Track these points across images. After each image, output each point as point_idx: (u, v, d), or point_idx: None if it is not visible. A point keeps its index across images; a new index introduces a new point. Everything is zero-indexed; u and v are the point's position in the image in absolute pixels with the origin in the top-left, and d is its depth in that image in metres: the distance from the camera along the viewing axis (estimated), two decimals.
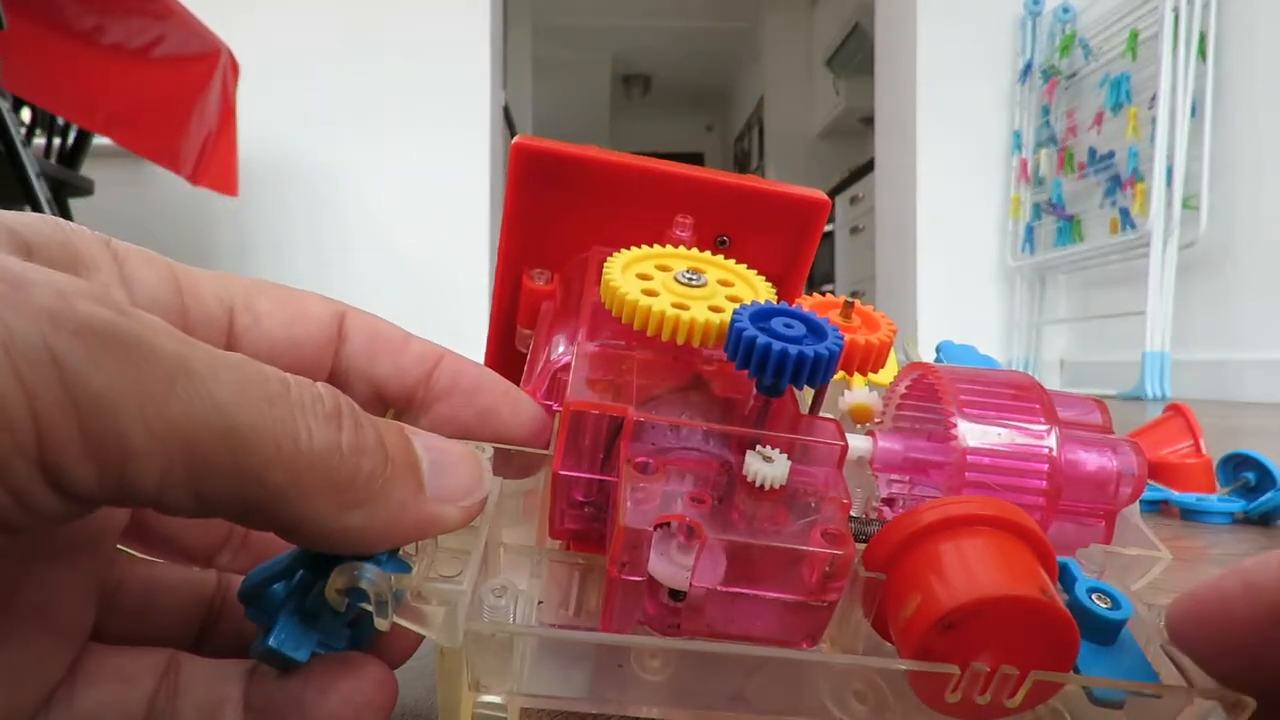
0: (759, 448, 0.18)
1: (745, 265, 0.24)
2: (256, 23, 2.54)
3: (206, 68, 1.73)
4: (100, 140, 1.64)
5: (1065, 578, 0.18)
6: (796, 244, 0.28)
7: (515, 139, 0.26)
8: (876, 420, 0.26)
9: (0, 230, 0.14)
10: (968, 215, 2.67)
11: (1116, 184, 2.30)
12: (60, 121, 1.61)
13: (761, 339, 0.18)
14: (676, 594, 0.17)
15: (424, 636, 0.16)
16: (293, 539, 0.14)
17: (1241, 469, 0.53)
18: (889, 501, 0.23)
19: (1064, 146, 2.51)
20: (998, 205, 2.68)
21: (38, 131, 1.60)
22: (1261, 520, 0.51)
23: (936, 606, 0.16)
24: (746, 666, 0.17)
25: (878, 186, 3.10)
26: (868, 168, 3.53)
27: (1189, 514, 0.51)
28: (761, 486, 0.17)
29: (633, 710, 0.18)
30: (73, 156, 1.65)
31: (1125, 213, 2.23)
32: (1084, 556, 0.21)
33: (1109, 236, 2.29)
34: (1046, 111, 2.56)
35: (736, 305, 0.20)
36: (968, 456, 0.20)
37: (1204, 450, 0.54)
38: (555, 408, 0.22)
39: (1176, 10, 2.05)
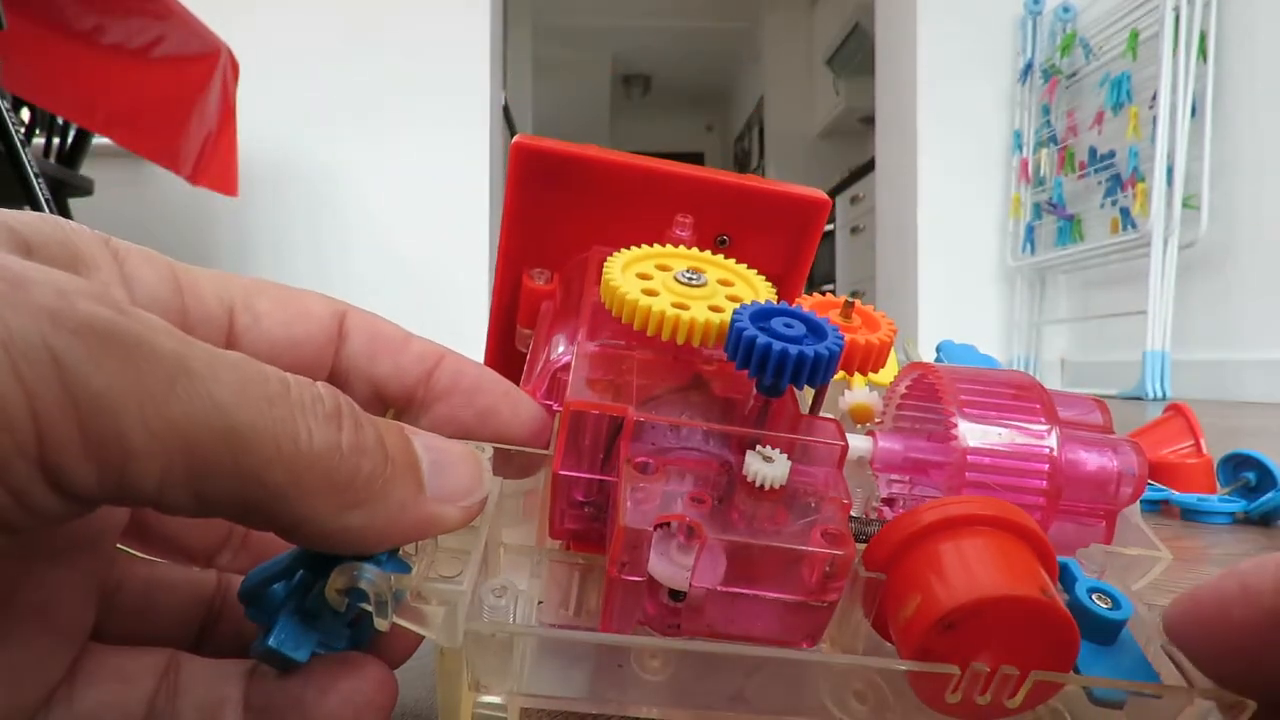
0: (759, 448, 0.18)
1: (745, 265, 0.24)
2: (256, 23, 2.54)
3: (206, 68, 1.73)
4: (100, 140, 1.63)
5: (1065, 578, 0.18)
6: (797, 243, 0.28)
7: (515, 138, 0.26)
8: (877, 420, 0.26)
9: (0, 229, 0.14)
10: (968, 215, 2.67)
11: (1117, 184, 2.30)
12: (60, 121, 1.61)
13: (762, 339, 0.18)
14: (676, 594, 0.17)
15: (424, 636, 0.16)
16: (293, 539, 0.14)
17: (1242, 469, 0.53)
18: (889, 501, 0.23)
19: (1064, 146, 2.51)
20: (998, 205, 2.68)
21: (37, 131, 1.60)
22: (1262, 520, 0.51)
23: (936, 606, 0.16)
24: (746, 666, 0.17)
25: (878, 186, 3.10)
26: (868, 168, 3.53)
27: (1189, 514, 0.51)
28: (761, 486, 0.17)
29: (633, 710, 0.17)
30: (72, 156, 1.65)
31: (1125, 212, 2.23)
32: (1084, 556, 0.21)
33: (1109, 236, 2.29)
34: (1047, 111, 2.56)
35: (736, 305, 0.20)
36: (968, 456, 0.20)
37: (1204, 450, 0.54)
38: (555, 407, 0.22)
39: (1177, 10, 2.05)
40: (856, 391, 0.27)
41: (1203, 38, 2.04)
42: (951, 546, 0.17)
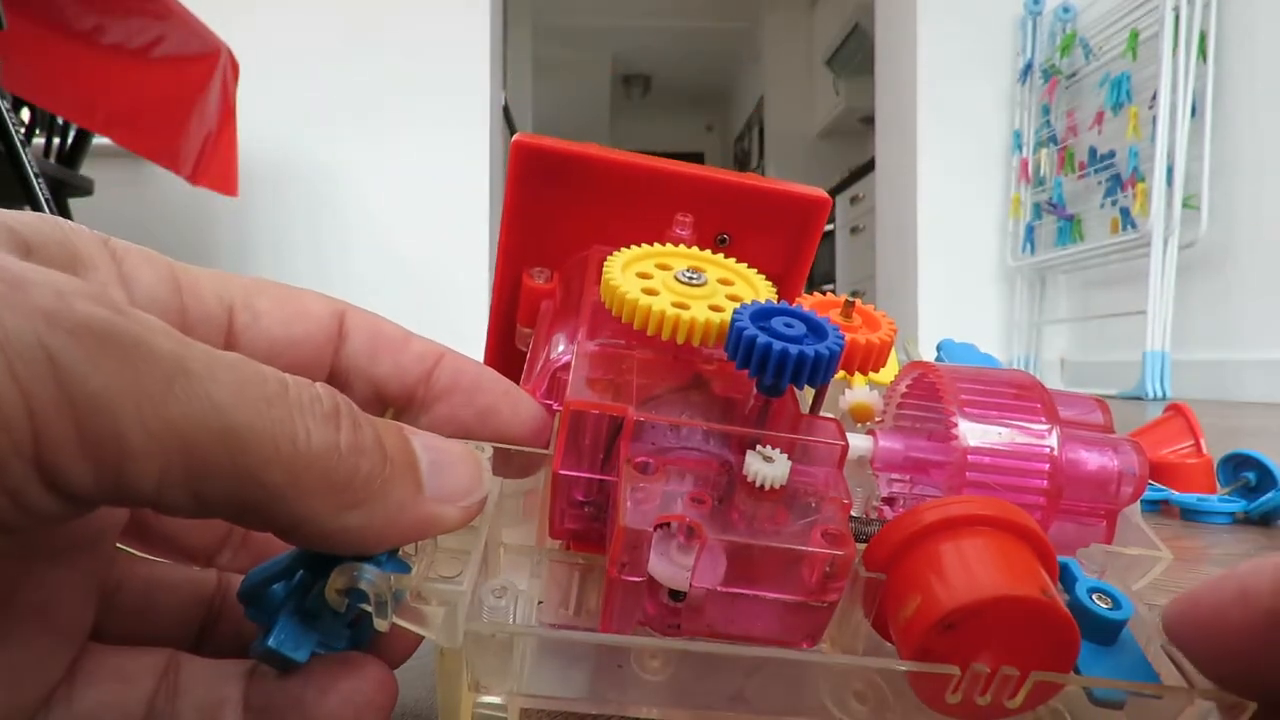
0: (759, 448, 0.18)
1: (745, 264, 0.24)
2: (256, 23, 2.54)
3: (206, 68, 1.73)
4: (100, 140, 1.63)
5: (1066, 578, 0.18)
6: (797, 242, 0.28)
7: (515, 136, 0.26)
8: (877, 419, 0.26)
9: None
10: (968, 215, 2.67)
11: (1117, 184, 2.30)
12: (60, 121, 1.61)
13: (762, 339, 0.18)
14: (676, 594, 0.17)
15: (424, 636, 0.16)
16: (291, 539, 0.14)
17: (1242, 469, 0.53)
18: (889, 501, 0.23)
19: (1064, 146, 2.51)
20: (998, 205, 2.68)
21: (37, 131, 1.60)
22: (1262, 520, 0.51)
23: (937, 607, 0.16)
24: (746, 666, 0.17)
25: (878, 186, 3.10)
26: (868, 168, 3.53)
27: (1189, 514, 0.51)
28: (762, 487, 0.17)
29: (633, 710, 0.17)
30: (72, 156, 1.65)
31: (1125, 212, 2.23)
32: (1085, 556, 0.21)
33: (1109, 236, 2.29)
34: (1047, 111, 2.56)
35: (737, 304, 0.20)
36: (968, 456, 0.20)
37: (1204, 450, 0.54)
38: (555, 407, 0.22)
39: (1177, 10, 2.05)
40: (857, 390, 0.27)
41: (1203, 38, 2.04)
42: (952, 547, 0.17)
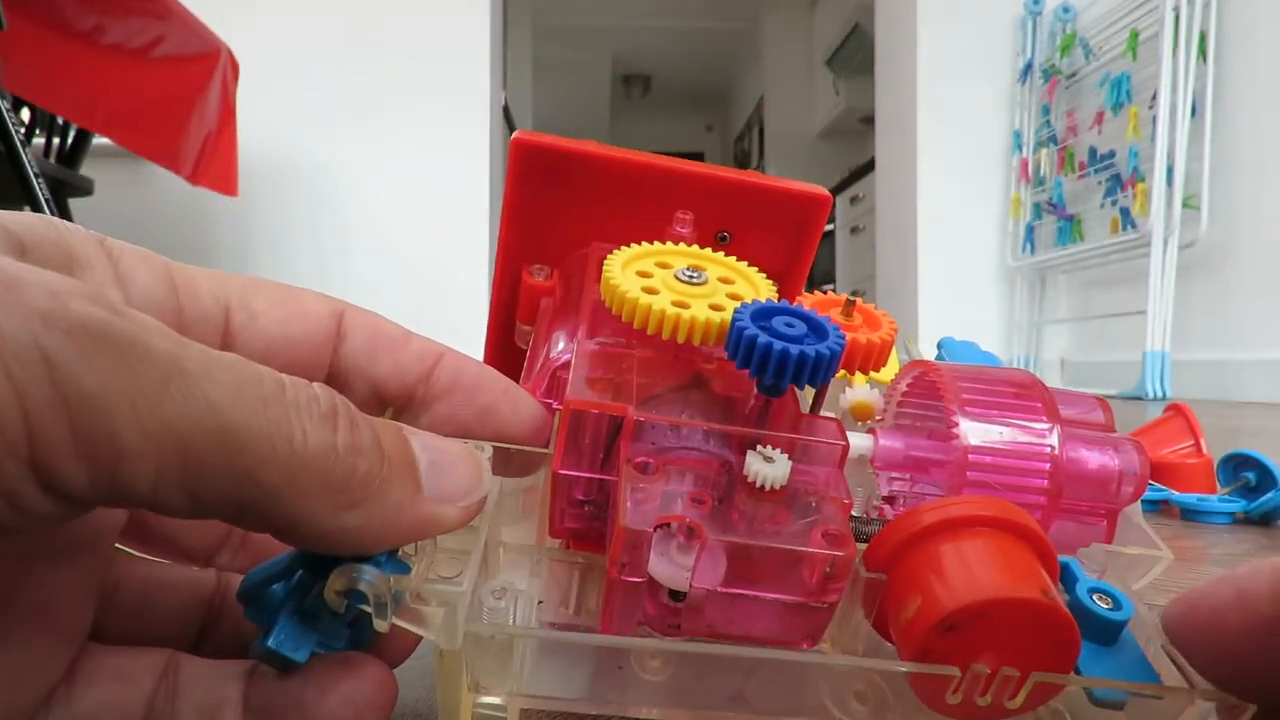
0: (760, 448, 0.18)
1: (746, 262, 0.24)
2: (256, 23, 2.54)
3: (206, 68, 1.73)
4: (100, 140, 1.63)
5: (1066, 578, 0.18)
6: (797, 240, 0.28)
7: (515, 134, 0.26)
8: (877, 418, 0.26)
9: None
10: (968, 215, 2.67)
11: (1117, 184, 2.30)
12: (60, 121, 1.61)
13: (763, 339, 0.18)
14: (676, 594, 0.17)
15: (421, 637, 0.16)
16: (289, 540, 0.14)
17: (1242, 469, 0.52)
18: (889, 500, 0.22)
19: (1064, 146, 2.51)
20: (998, 205, 2.68)
21: (38, 131, 1.60)
22: (1262, 520, 0.51)
23: (937, 608, 0.16)
24: (746, 667, 0.17)
25: (878, 186, 3.10)
26: (868, 168, 3.53)
27: (1189, 514, 0.51)
28: (762, 487, 0.17)
29: (633, 711, 0.17)
30: (72, 156, 1.65)
31: (1125, 212, 2.23)
32: (1085, 556, 0.21)
33: (1109, 236, 2.29)
34: (1047, 111, 2.56)
35: (737, 303, 0.20)
36: (969, 455, 0.20)
37: (1204, 450, 0.54)
38: (555, 406, 0.21)
39: (1177, 10, 2.05)
40: (857, 389, 0.27)
41: (1203, 38, 2.04)
42: (952, 548, 0.17)
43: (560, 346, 0.23)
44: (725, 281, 0.22)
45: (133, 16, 1.50)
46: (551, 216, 0.27)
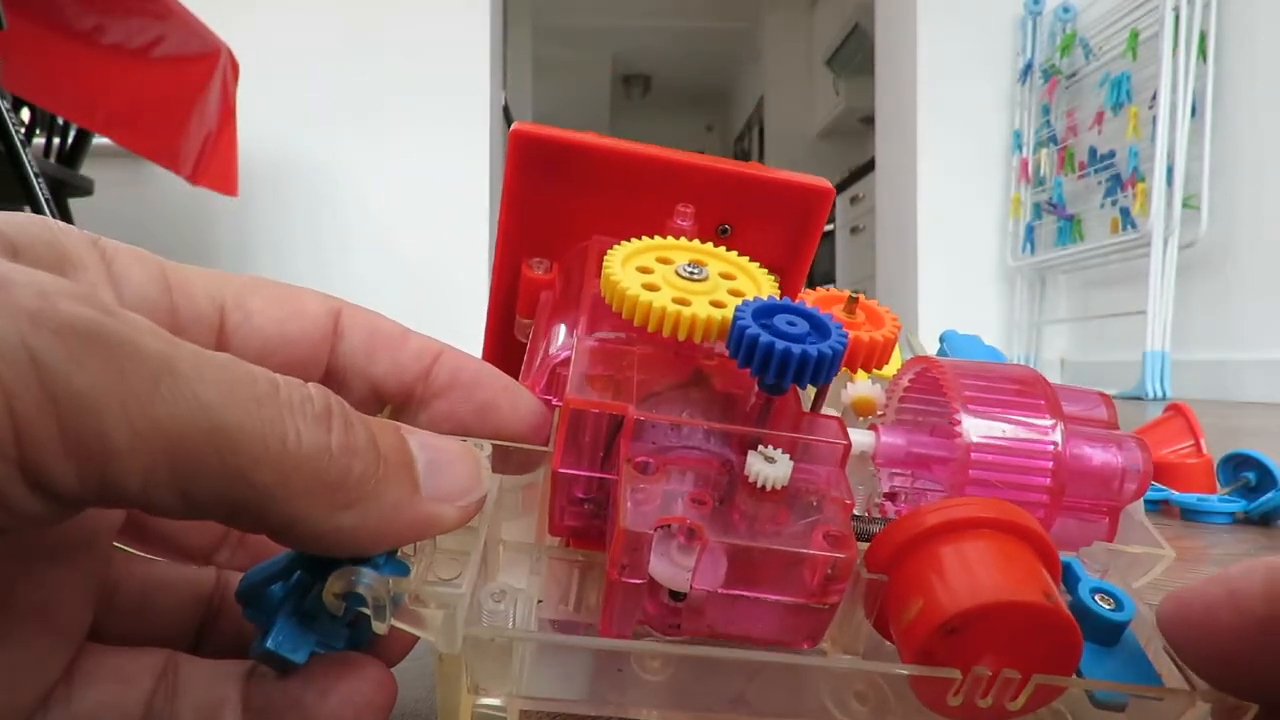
0: (761, 448, 0.18)
1: (747, 257, 0.23)
2: (256, 23, 2.54)
3: (206, 68, 1.73)
4: (100, 140, 1.63)
5: (1068, 578, 0.18)
6: (799, 233, 0.28)
7: (514, 125, 0.25)
8: (879, 413, 0.26)
9: None
10: (968, 215, 2.67)
11: (1117, 184, 2.30)
12: (60, 121, 1.61)
13: (764, 338, 0.18)
14: (677, 594, 0.17)
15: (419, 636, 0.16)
16: (285, 541, 0.14)
17: (1242, 469, 0.52)
18: (891, 496, 0.22)
19: (1064, 146, 2.51)
20: (998, 205, 2.68)
21: (38, 131, 1.60)
22: (1262, 520, 0.51)
23: (939, 611, 0.16)
24: (747, 668, 0.17)
25: (878, 186, 3.10)
26: (868, 168, 3.53)
27: (1189, 514, 0.51)
28: (763, 487, 0.17)
29: (633, 712, 0.17)
30: (73, 156, 1.65)
31: (1125, 212, 2.23)
32: (1087, 554, 0.21)
33: (1109, 236, 2.29)
34: (1047, 111, 2.56)
35: (738, 300, 0.20)
36: (972, 452, 0.20)
37: (1204, 450, 0.54)
38: (555, 403, 0.21)
39: (1177, 10, 2.05)
40: (859, 384, 0.27)
41: (1203, 38, 2.04)
42: (954, 549, 0.17)
43: (560, 340, 0.23)
44: (726, 277, 0.22)
45: (133, 16, 1.50)
46: (551, 209, 0.27)
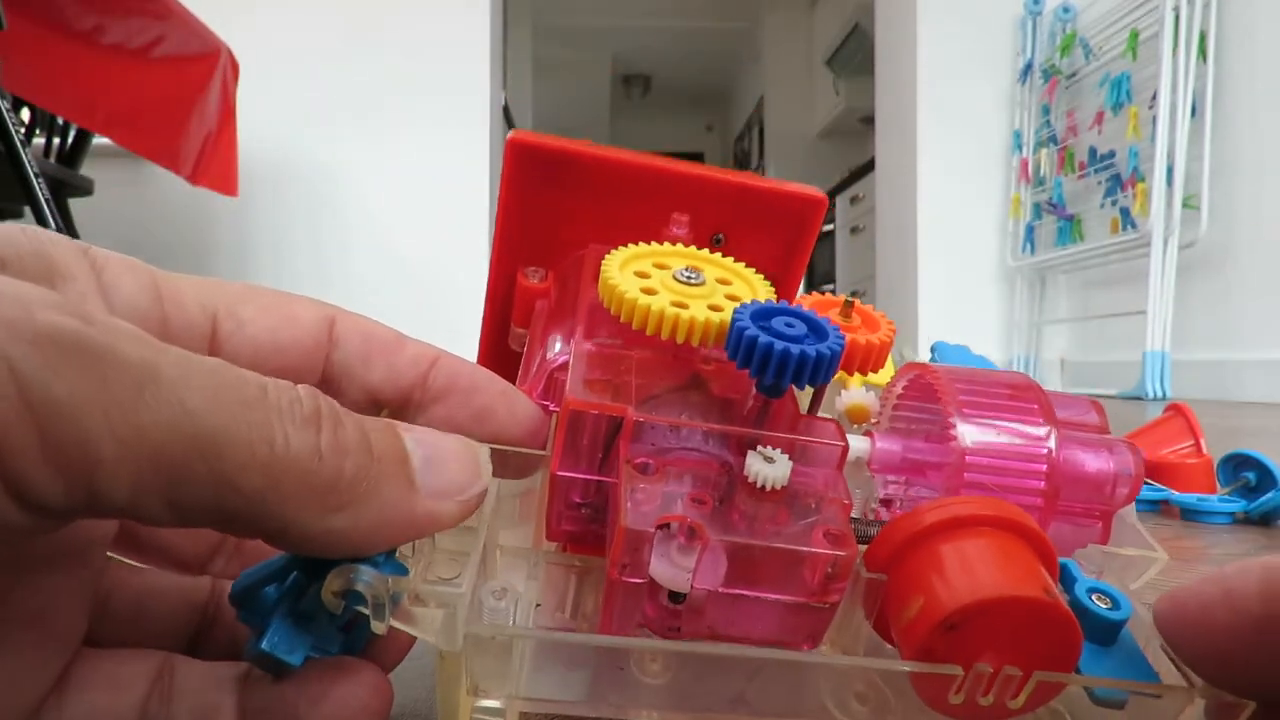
0: (760, 448, 0.18)
1: (744, 264, 0.24)
2: (256, 23, 2.54)
3: (206, 68, 1.73)
4: (100, 140, 1.63)
5: (1065, 578, 0.18)
6: (793, 242, 0.28)
7: (511, 134, 0.26)
8: (873, 421, 0.26)
9: None
10: (968, 215, 2.67)
11: (1117, 184, 2.30)
12: (60, 121, 1.61)
13: (763, 338, 0.18)
14: (676, 597, 0.17)
15: (415, 640, 0.15)
16: (280, 545, 0.14)
17: (1242, 469, 0.52)
18: (886, 503, 0.23)
19: (1064, 146, 2.51)
20: (998, 205, 2.68)
21: (38, 131, 1.60)
22: (1262, 520, 0.51)
23: (939, 608, 0.16)
24: (748, 669, 0.17)
25: (878, 186, 3.10)
26: (868, 168, 3.53)
27: (1189, 514, 0.51)
28: (763, 487, 0.17)
29: (633, 714, 0.17)
30: (73, 156, 1.65)
31: (1125, 212, 2.23)
32: (1082, 557, 0.21)
33: (1109, 236, 2.29)
34: (1047, 111, 2.56)
35: (735, 304, 0.20)
36: (966, 457, 0.20)
37: (1204, 450, 0.54)
38: (552, 408, 0.21)
39: (1177, 10, 2.05)
40: (853, 392, 0.27)
41: (1203, 38, 2.04)
42: (953, 547, 0.17)
43: (557, 348, 0.23)
44: (723, 282, 0.22)
45: (133, 16, 1.50)
46: (547, 218, 0.27)
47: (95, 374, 0.11)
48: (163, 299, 0.17)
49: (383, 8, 2.68)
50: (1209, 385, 2.00)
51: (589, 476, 0.19)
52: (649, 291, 0.21)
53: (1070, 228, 2.48)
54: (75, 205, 1.65)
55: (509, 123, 3.13)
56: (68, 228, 1.44)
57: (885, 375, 0.28)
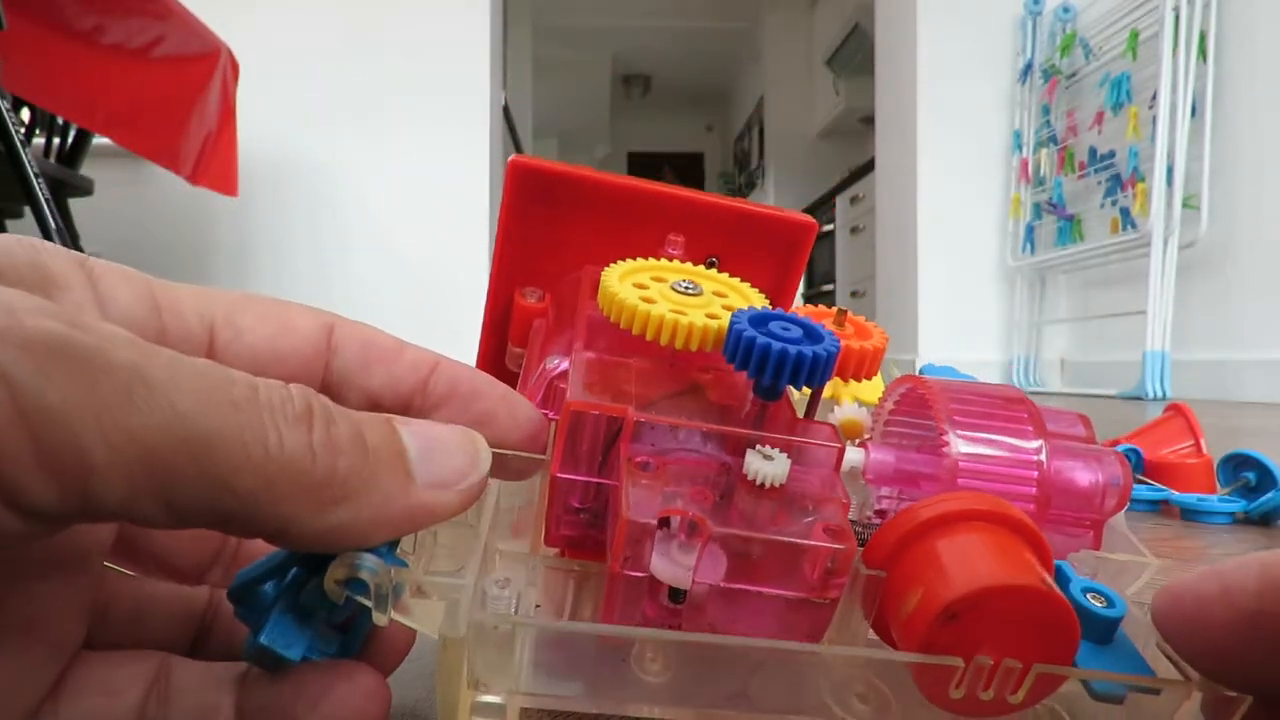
0: (759, 447, 0.18)
1: (738, 279, 0.24)
2: (256, 23, 2.54)
3: (206, 68, 1.73)
4: (100, 140, 1.63)
5: (1060, 579, 0.18)
6: (785, 265, 0.29)
7: (512, 158, 0.26)
8: (866, 435, 0.26)
9: None
10: (968, 215, 2.67)
11: (1117, 184, 2.30)
12: (60, 121, 1.61)
13: (761, 339, 0.18)
14: (677, 596, 0.17)
15: (413, 643, 0.16)
16: (279, 543, 0.14)
17: (1242, 469, 0.53)
18: (881, 514, 0.23)
19: (1064, 146, 2.51)
20: (998, 205, 2.68)
21: (38, 131, 1.60)
22: (1262, 520, 0.51)
23: (939, 598, 0.16)
24: (748, 666, 0.17)
25: (878, 186, 3.10)
26: (868, 168, 3.53)
27: (1189, 514, 0.51)
28: (762, 485, 0.17)
29: (633, 710, 0.18)
30: (73, 156, 1.65)
31: (1126, 212, 2.23)
32: (1075, 560, 0.21)
33: (1109, 236, 2.29)
34: (1047, 111, 2.56)
35: (732, 312, 0.20)
36: (959, 465, 0.21)
37: (1204, 450, 0.54)
38: (552, 416, 0.22)
39: (1177, 10, 2.05)
40: (846, 408, 0.27)
41: (1203, 38, 2.04)
42: (950, 542, 0.17)
43: (555, 362, 0.23)
44: (719, 294, 0.23)
45: (133, 16, 1.50)
46: (546, 240, 0.28)
47: (85, 378, 0.12)
48: (160, 308, 0.17)
49: (383, 8, 2.68)
50: (1209, 385, 2.00)
51: (589, 479, 0.19)
52: (648, 301, 0.21)
53: (1070, 228, 2.49)
54: (75, 205, 1.65)
55: (509, 123, 3.13)
56: (68, 228, 1.44)
57: (876, 392, 0.29)
